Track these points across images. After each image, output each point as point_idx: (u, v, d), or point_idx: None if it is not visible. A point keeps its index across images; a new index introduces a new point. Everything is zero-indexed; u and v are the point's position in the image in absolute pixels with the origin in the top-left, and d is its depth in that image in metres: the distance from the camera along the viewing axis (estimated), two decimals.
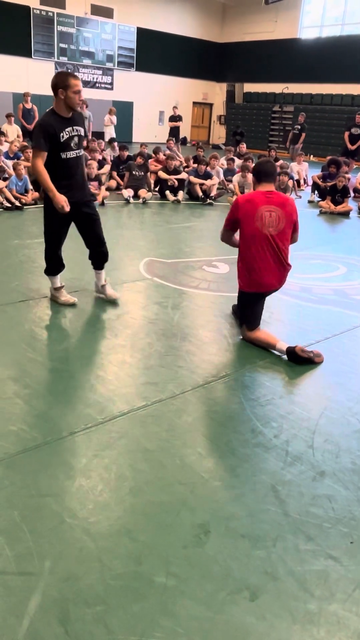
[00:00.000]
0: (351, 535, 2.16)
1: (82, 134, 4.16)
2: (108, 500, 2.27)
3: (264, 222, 3.67)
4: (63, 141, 3.97)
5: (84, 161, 4.36)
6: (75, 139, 4.08)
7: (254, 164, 4.14)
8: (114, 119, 16.49)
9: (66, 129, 3.97)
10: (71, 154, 4.07)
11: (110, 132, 16.32)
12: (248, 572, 1.96)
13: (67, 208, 3.98)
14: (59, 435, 2.67)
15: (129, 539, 2.07)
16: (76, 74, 21.03)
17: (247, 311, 3.94)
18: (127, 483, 2.37)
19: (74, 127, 4.04)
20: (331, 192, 9.99)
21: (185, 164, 10.94)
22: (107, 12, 22.55)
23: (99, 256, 4.50)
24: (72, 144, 4.05)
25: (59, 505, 2.21)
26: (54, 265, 4.44)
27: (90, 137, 12.38)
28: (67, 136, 3.99)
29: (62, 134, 3.95)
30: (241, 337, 4.02)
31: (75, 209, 4.13)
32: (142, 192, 9.49)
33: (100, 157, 10.37)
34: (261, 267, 3.72)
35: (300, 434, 2.83)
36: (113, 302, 4.54)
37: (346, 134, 13.68)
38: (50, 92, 3.99)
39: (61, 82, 3.88)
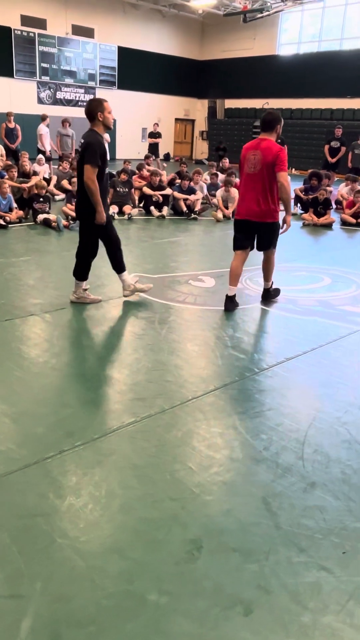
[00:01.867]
0: (343, 545, 2.16)
1: None
2: (98, 518, 2.25)
3: (249, 163, 4.63)
4: (107, 159, 4.42)
5: None
6: None
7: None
8: (107, 136, 16.41)
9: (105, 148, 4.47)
10: (107, 170, 4.57)
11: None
12: (241, 586, 1.95)
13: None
14: (47, 454, 2.65)
15: (120, 557, 2.05)
16: (58, 93, 21.29)
17: (234, 234, 4.95)
18: (118, 500, 2.36)
19: None
20: (313, 205, 10.14)
21: (165, 182, 10.90)
22: (87, 32, 22.79)
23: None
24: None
25: (49, 525, 2.19)
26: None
27: (74, 155, 12.41)
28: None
29: (107, 152, 4.45)
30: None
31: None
32: (127, 208, 9.53)
33: None
34: (241, 200, 4.81)
35: (290, 446, 2.84)
36: (106, 319, 4.54)
37: (326, 147, 13.91)
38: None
39: (96, 107, 4.41)
